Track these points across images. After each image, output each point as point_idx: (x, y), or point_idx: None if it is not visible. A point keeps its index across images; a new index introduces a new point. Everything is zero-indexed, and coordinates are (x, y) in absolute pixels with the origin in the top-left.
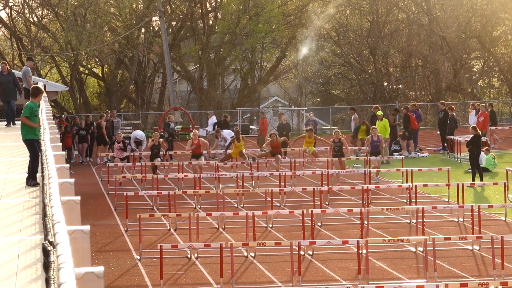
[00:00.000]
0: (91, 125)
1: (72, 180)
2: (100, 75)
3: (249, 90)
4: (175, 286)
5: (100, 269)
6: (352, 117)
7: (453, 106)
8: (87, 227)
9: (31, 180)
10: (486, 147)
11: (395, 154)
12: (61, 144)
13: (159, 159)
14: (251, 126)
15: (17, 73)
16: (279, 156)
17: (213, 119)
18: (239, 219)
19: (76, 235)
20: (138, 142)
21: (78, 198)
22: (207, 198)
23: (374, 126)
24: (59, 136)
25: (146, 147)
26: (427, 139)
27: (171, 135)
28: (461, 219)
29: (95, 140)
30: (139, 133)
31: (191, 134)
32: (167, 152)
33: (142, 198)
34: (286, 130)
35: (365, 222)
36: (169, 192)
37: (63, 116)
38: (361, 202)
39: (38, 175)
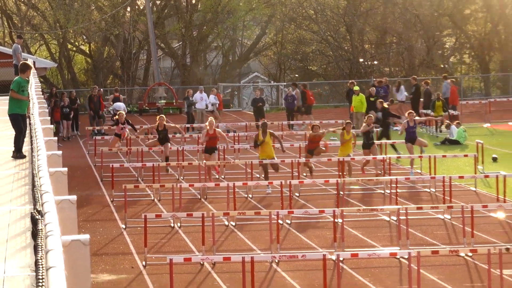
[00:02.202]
0: (75, 101)
1: (60, 152)
2: (87, 52)
3: (230, 66)
4: (159, 253)
5: (86, 237)
6: (294, 92)
7: (428, 81)
8: (74, 197)
9: (17, 153)
10: (457, 121)
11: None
12: (49, 118)
13: (169, 144)
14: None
15: (8, 51)
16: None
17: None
18: (220, 189)
19: (64, 204)
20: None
21: (66, 169)
22: (190, 170)
23: (411, 111)
24: (47, 110)
25: (150, 129)
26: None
27: (189, 107)
28: (433, 190)
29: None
30: (119, 105)
31: (207, 123)
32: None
33: (127, 169)
34: (262, 103)
35: (341, 192)
36: (153, 164)
37: (53, 90)
38: (337, 173)
39: (27, 147)
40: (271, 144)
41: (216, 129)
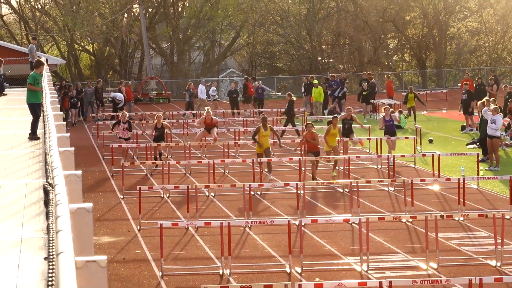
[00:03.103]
0: (81, 92)
1: (68, 134)
2: (91, 51)
3: (211, 63)
4: (151, 219)
5: (89, 205)
6: (253, 85)
7: (372, 76)
8: (79, 172)
9: (32, 135)
10: (399, 109)
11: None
12: (59, 106)
13: (163, 142)
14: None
15: (25, 50)
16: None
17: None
18: (202, 166)
19: (71, 178)
20: (116, 103)
21: (73, 149)
22: (177, 149)
23: (387, 106)
24: (58, 99)
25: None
26: (353, 103)
27: (190, 97)
28: (379, 166)
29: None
30: (117, 94)
31: (205, 112)
32: (187, 113)
33: (124, 149)
34: (236, 94)
35: (303, 168)
36: (146, 145)
37: (62, 83)
38: (299, 153)
39: (40, 131)
40: (269, 136)
41: (214, 118)
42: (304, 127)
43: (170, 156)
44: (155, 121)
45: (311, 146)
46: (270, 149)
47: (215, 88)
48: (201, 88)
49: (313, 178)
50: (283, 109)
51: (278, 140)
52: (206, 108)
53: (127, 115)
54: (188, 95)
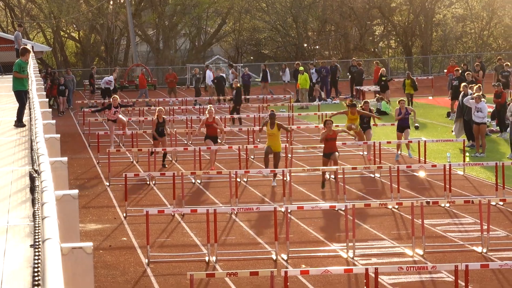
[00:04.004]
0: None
1: (54, 121)
2: (77, 38)
3: (196, 50)
4: (137, 206)
5: (75, 192)
6: (230, 71)
7: (360, 62)
8: (65, 159)
9: (18, 123)
10: (380, 96)
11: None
12: (45, 93)
13: (166, 138)
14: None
15: (10, 37)
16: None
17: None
18: (188, 153)
19: (57, 165)
20: (107, 89)
21: (58, 136)
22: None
23: (402, 99)
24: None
25: (152, 124)
26: (340, 89)
27: (196, 83)
28: (365, 153)
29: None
30: (108, 78)
31: (206, 111)
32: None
33: (110, 136)
34: (221, 80)
35: (289, 155)
36: (132, 132)
37: (48, 70)
38: (286, 139)
39: (26, 118)
40: (279, 136)
41: (216, 117)
42: (322, 124)
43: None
44: (156, 116)
45: (330, 146)
46: (280, 154)
47: (234, 72)
48: (209, 74)
49: (323, 185)
50: (268, 96)
51: (287, 130)
52: (208, 106)
53: (118, 99)
54: (194, 81)
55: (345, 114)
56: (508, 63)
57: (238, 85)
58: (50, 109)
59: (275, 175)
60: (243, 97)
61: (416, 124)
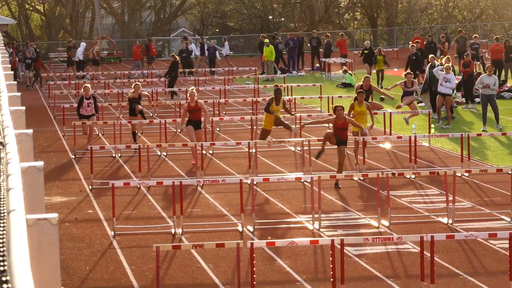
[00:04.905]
0: (37, 52)
1: (19, 94)
2: (42, 11)
3: (162, 23)
4: (102, 179)
5: (40, 163)
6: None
7: (328, 34)
8: (30, 131)
9: None
10: (344, 68)
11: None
12: (10, 65)
13: (141, 116)
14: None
15: None
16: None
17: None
18: (153, 125)
19: (22, 137)
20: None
21: (24, 108)
22: (128, 109)
23: (410, 72)
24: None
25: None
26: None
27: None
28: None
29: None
30: (81, 48)
31: (188, 94)
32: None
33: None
34: (187, 53)
35: (254, 127)
36: (101, 104)
37: (14, 43)
38: (251, 111)
39: None
40: (279, 111)
41: (198, 101)
42: (333, 111)
43: (121, 116)
44: (133, 91)
45: (339, 135)
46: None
47: (225, 44)
48: (193, 46)
49: (336, 184)
50: (234, 69)
51: (289, 113)
52: (190, 88)
53: (90, 89)
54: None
55: (351, 108)
56: (477, 35)
57: (177, 58)
58: (15, 82)
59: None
60: (208, 69)
61: (381, 96)
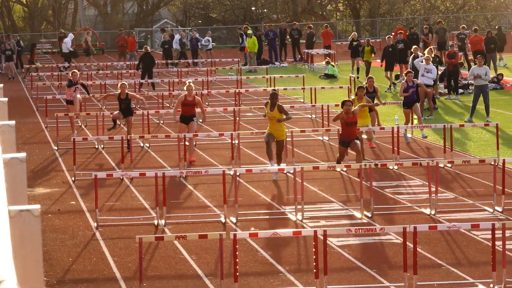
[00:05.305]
0: (19, 44)
1: (1, 85)
2: (24, 2)
3: (144, 14)
4: (85, 170)
5: (23, 154)
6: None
7: (311, 25)
8: (12, 122)
9: None
10: (327, 59)
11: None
12: None
13: (132, 117)
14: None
15: None
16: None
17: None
18: (136, 117)
19: (4, 128)
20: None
21: (6, 99)
22: (111, 101)
23: (410, 70)
24: None
25: (106, 97)
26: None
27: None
28: (313, 116)
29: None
30: (68, 40)
31: (185, 87)
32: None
33: (58, 101)
34: (168, 45)
35: (237, 118)
36: (84, 96)
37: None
38: (234, 102)
39: None
40: (280, 120)
41: (196, 97)
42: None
43: (104, 107)
44: (119, 91)
45: (348, 133)
46: (284, 142)
47: (209, 38)
48: (176, 38)
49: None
50: (216, 60)
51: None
52: (187, 82)
53: (78, 75)
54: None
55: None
56: (464, 26)
57: (148, 50)
58: None
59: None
60: (191, 60)
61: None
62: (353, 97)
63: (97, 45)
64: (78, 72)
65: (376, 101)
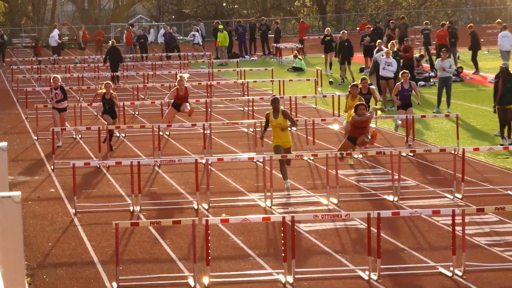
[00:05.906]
0: (2, 37)
1: None
2: None
3: (120, 9)
4: (64, 159)
5: (4, 144)
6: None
7: (278, 21)
8: None
9: None
10: (295, 52)
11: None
12: None
13: (115, 119)
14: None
15: None
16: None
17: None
18: None
19: None
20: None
21: None
22: (89, 92)
23: (406, 72)
24: None
25: (96, 97)
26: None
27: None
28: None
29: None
30: (56, 30)
31: (177, 82)
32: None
33: (38, 93)
34: (144, 39)
35: (209, 109)
36: (69, 88)
37: None
38: (206, 94)
39: None
40: (286, 127)
41: (188, 86)
42: (354, 110)
43: (82, 99)
44: (103, 90)
45: (358, 133)
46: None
47: (195, 33)
48: (160, 32)
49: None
50: (189, 54)
51: (293, 125)
52: (179, 75)
53: (59, 80)
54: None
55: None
56: (428, 21)
57: (114, 44)
58: None
59: (286, 174)
60: (164, 54)
61: (330, 80)
62: (319, 89)
63: (74, 39)
64: (59, 77)
65: (380, 104)
